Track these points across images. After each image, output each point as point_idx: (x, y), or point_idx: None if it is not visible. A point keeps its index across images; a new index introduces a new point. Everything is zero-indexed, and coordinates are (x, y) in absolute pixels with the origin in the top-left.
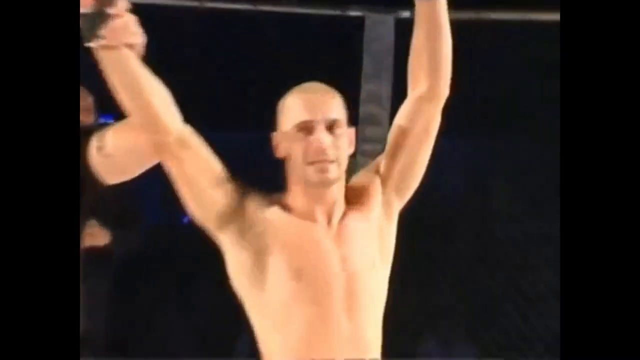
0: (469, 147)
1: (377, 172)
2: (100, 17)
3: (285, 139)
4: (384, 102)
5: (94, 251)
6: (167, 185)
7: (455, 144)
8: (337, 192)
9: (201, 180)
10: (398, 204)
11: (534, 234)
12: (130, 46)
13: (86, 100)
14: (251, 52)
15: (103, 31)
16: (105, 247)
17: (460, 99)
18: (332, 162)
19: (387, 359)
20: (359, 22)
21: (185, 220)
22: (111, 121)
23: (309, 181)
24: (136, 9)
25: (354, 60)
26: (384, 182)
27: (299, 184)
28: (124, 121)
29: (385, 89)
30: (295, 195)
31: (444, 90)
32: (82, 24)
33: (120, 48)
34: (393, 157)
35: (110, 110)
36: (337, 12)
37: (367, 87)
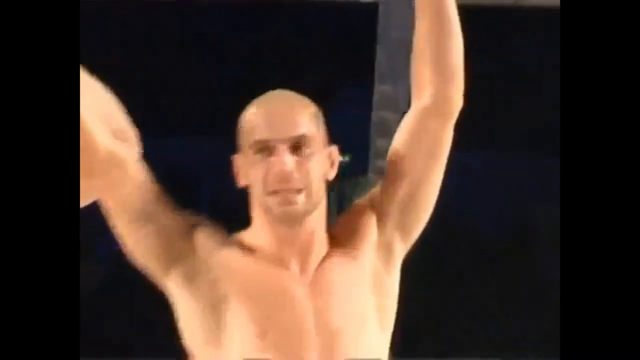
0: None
1: (372, 205)
2: None
3: (244, 163)
4: (401, 107)
5: None
6: None
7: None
8: (313, 229)
9: (137, 210)
10: (401, 247)
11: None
12: None
13: None
14: (241, 49)
15: None
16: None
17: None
18: (299, 190)
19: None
20: (371, 9)
21: None
22: None
23: (272, 215)
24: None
25: (365, 57)
26: (381, 219)
27: (263, 218)
28: None
29: (402, 91)
30: (260, 232)
31: (456, 100)
32: None
33: None
34: (392, 187)
35: None
36: None
37: (380, 89)
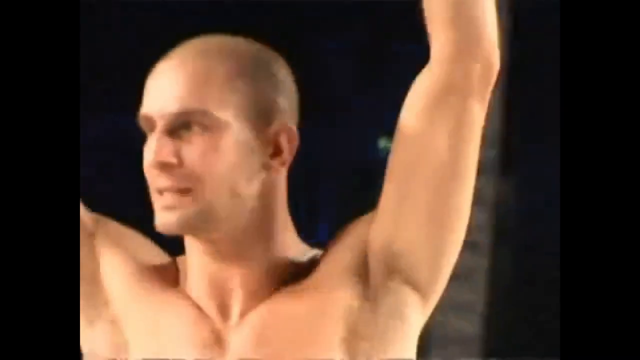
0: None
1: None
2: None
3: None
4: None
5: None
6: None
7: None
8: (240, 254)
9: None
10: (411, 297)
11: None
12: None
13: None
14: None
15: None
16: None
17: None
18: (181, 192)
19: None
20: None
21: None
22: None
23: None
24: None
25: None
26: (371, 250)
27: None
28: None
29: None
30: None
31: (489, 53)
32: None
33: None
34: (386, 206)
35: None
36: None
37: None
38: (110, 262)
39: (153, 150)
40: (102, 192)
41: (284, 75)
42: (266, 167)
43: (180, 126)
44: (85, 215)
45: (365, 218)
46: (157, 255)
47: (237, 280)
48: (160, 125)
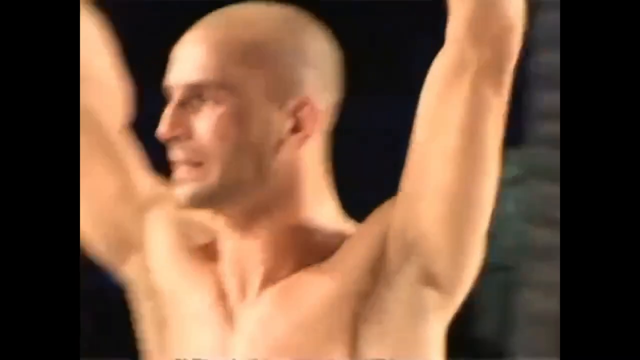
0: None
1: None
2: None
3: None
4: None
5: None
6: None
7: None
8: (259, 230)
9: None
10: (429, 293)
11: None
12: None
13: None
14: None
15: None
16: None
17: None
18: (194, 165)
19: None
20: None
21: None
22: None
23: None
24: None
25: None
26: (391, 233)
27: None
28: None
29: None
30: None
31: (500, 39)
32: None
33: None
34: (406, 188)
35: None
36: None
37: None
38: (156, 239)
39: (164, 122)
40: None
41: (317, 46)
42: (285, 143)
43: (195, 97)
44: (148, 186)
45: (392, 201)
46: (203, 233)
47: (257, 258)
48: (176, 96)
